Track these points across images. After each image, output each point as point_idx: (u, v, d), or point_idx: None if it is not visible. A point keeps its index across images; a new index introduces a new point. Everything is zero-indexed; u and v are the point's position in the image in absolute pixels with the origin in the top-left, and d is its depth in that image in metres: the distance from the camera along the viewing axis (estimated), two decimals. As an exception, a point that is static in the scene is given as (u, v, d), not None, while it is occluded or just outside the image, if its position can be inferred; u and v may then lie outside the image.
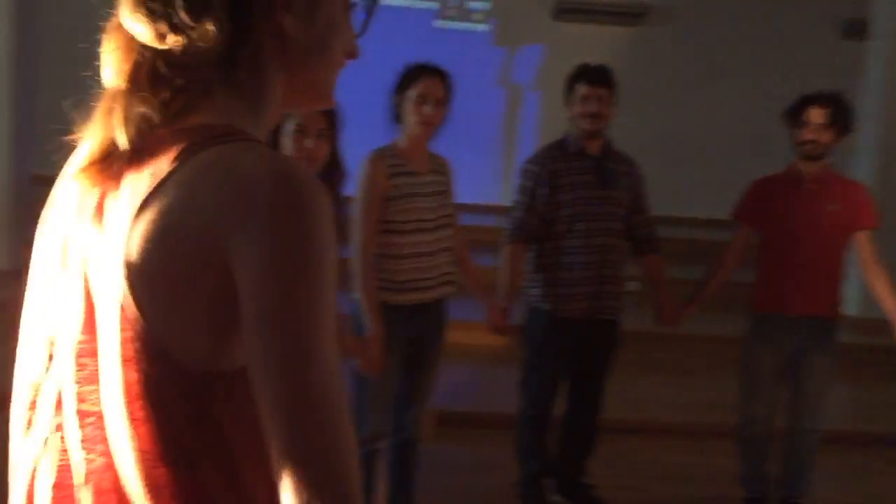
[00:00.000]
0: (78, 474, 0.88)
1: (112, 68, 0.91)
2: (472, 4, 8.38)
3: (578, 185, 3.25)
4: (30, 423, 0.94)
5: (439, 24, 8.35)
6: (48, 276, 0.95)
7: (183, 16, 0.87)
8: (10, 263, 5.49)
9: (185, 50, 0.88)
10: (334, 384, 0.81)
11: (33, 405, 0.94)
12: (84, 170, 0.90)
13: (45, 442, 0.92)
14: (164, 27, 0.87)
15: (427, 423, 4.07)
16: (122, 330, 0.85)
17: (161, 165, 0.85)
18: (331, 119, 2.50)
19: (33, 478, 0.92)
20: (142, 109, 0.88)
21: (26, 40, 5.76)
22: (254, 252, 0.80)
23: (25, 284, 0.99)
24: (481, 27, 8.36)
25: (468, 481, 3.80)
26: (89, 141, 0.90)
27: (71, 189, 0.93)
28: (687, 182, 7.41)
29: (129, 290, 0.85)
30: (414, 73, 2.90)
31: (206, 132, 0.87)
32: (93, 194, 0.90)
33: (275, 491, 0.80)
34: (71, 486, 0.89)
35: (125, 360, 0.85)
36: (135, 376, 0.85)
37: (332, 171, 2.56)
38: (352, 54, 1.02)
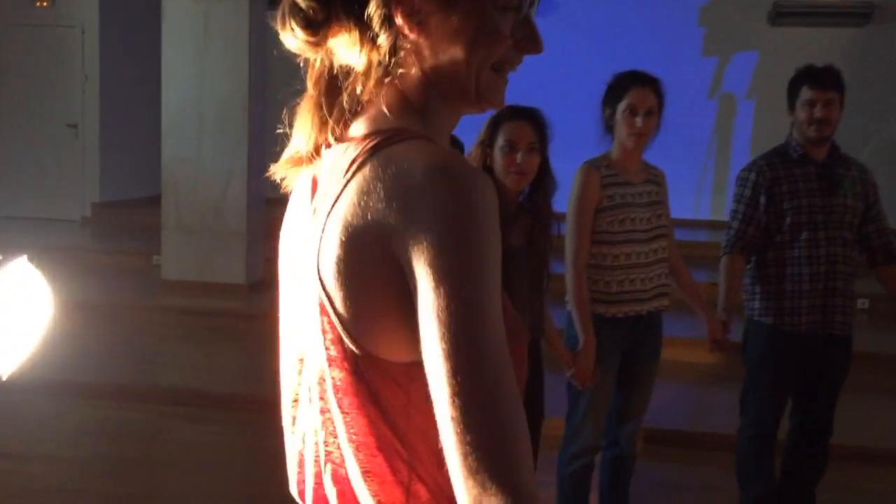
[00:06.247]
0: (323, 464, 0.93)
1: (307, 79, 0.96)
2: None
3: (801, 192, 3.06)
4: (294, 421, 1.00)
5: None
6: (289, 286, 1.00)
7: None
8: (252, 277, 6.47)
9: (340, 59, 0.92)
10: (503, 377, 0.79)
11: (295, 404, 0.99)
12: (286, 162, 0.98)
13: (304, 438, 0.97)
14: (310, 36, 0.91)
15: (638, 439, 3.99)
16: (324, 332, 0.88)
17: (345, 168, 0.88)
18: (540, 133, 2.54)
19: (301, 469, 0.99)
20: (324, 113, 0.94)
21: (260, 84, 6.35)
22: (420, 249, 0.81)
23: (272, 297, 1.06)
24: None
25: (687, 502, 3.67)
26: (294, 139, 0.97)
27: (295, 196, 1.00)
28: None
29: (323, 290, 0.86)
30: (624, 84, 2.84)
31: (379, 136, 0.89)
32: (306, 198, 0.95)
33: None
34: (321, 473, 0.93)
35: (330, 361, 0.88)
36: (341, 375, 0.87)
37: (543, 183, 2.59)
38: (524, 49, 0.94)
